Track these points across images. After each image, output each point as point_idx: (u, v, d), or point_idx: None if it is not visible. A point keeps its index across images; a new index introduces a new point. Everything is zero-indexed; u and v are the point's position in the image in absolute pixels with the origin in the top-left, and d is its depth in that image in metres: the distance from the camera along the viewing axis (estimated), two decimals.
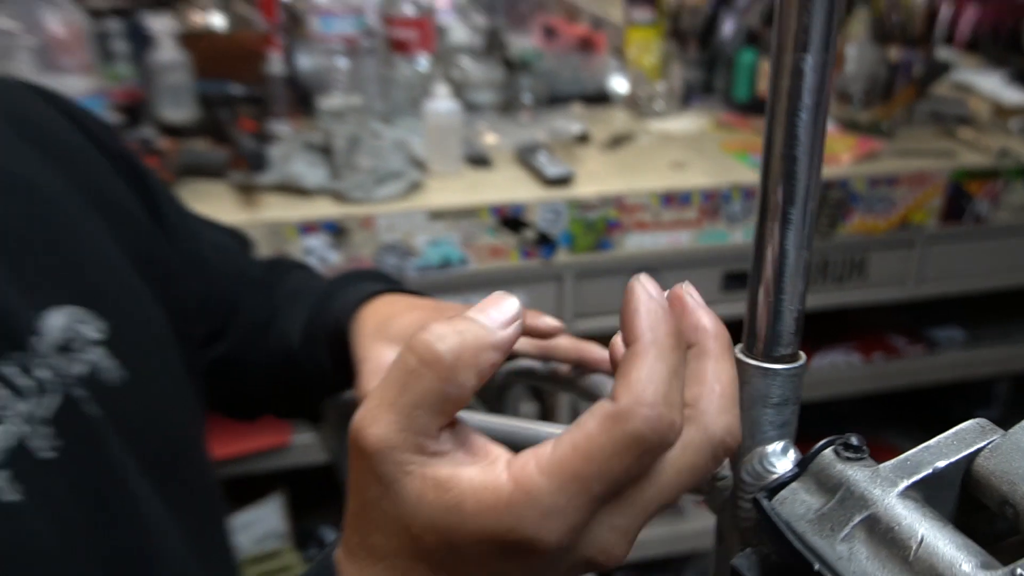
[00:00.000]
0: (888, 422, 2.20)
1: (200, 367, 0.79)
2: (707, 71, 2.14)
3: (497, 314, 0.37)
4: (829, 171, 1.71)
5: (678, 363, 0.36)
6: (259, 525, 1.87)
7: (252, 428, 1.69)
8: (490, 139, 1.82)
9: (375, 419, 0.36)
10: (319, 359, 0.78)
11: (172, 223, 0.79)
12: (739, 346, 0.40)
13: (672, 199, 1.64)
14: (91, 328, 0.62)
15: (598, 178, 1.68)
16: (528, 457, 0.36)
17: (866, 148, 1.79)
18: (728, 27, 2.10)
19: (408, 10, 1.83)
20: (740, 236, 1.69)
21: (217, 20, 1.98)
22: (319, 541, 1.98)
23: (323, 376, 0.79)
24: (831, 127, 1.93)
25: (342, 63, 1.77)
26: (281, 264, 0.90)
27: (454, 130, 1.68)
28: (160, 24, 1.78)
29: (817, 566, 0.34)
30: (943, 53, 2.29)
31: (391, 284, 0.80)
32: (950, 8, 2.42)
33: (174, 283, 0.75)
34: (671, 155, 1.79)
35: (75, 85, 1.49)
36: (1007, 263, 1.90)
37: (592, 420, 0.35)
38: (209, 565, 0.69)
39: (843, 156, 1.75)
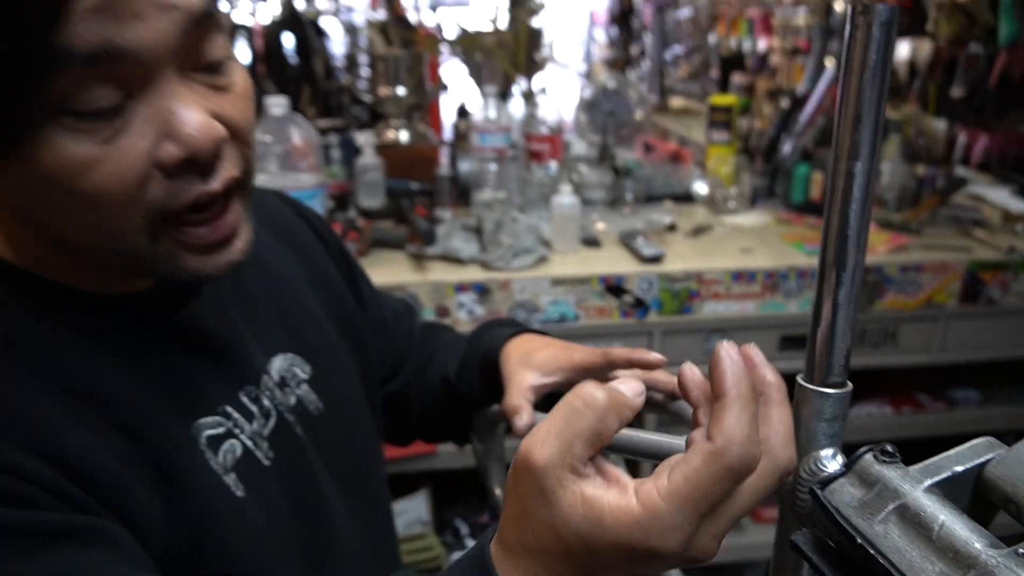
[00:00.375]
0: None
1: (378, 402, 0.80)
2: (770, 179, 2.11)
3: (632, 388, 0.40)
4: (867, 259, 1.65)
5: (755, 410, 0.38)
6: (409, 513, 1.87)
7: None
8: (600, 226, 1.83)
9: (544, 443, 0.38)
10: (471, 383, 0.78)
11: (365, 294, 0.81)
12: (800, 375, 0.41)
13: (741, 276, 1.62)
14: (301, 370, 0.64)
15: (683, 258, 1.67)
16: (651, 486, 0.37)
17: (898, 242, 1.73)
18: (787, 147, 2.09)
19: (543, 130, 1.87)
20: (795, 307, 1.65)
21: (403, 135, 2.06)
22: (454, 530, 1.97)
23: (473, 397, 0.79)
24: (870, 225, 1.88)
25: (492, 167, 1.81)
26: (435, 326, 0.92)
27: (574, 218, 1.69)
28: (364, 138, 1.86)
29: (859, 540, 0.35)
30: (960, 171, 2.21)
31: (525, 327, 0.81)
32: (966, 136, 2.34)
33: (363, 340, 0.77)
34: (740, 242, 1.77)
35: (306, 180, 1.57)
36: (1015, 338, 1.79)
37: (697, 457, 0.37)
38: (376, 554, 0.70)
39: (879, 247, 1.70)
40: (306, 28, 3.87)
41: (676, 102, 4.31)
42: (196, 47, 0.44)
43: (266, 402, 0.59)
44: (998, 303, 1.72)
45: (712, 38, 4.57)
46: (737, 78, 3.72)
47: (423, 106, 2.12)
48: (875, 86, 0.35)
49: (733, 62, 3.86)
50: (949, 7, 2.38)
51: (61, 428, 0.45)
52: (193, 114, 0.43)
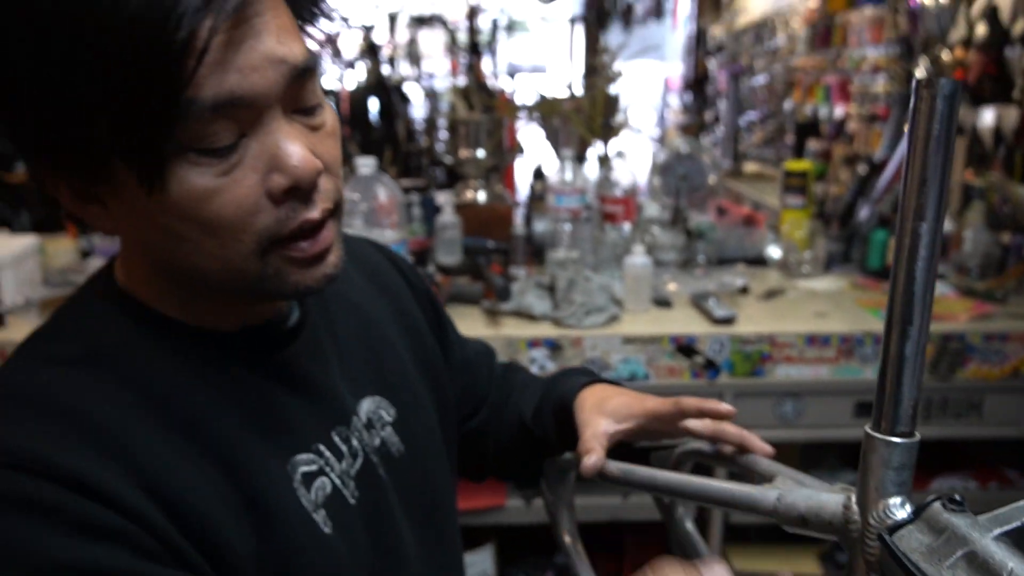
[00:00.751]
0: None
1: (457, 441, 0.82)
2: (846, 245, 2.09)
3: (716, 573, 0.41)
4: (949, 326, 1.62)
5: None
6: (475, 566, 1.86)
7: (479, 492, 1.73)
8: (672, 287, 1.84)
9: None
10: (546, 427, 0.80)
11: (451, 339, 0.85)
12: (869, 424, 0.42)
13: (814, 340, 1.60)
14: (387, 412, 0.68)
15: (755, 321, 1.67)
16: None
17: (981, 310, 1.69)
18: (864, 212, 2.07)
19: (617, 192, 1.91)
20: (871, 374, 1.61)
21: (481, 195, 2.12)
22: None
23: (547, 440, 0.80)
24: (951, 292, 1.84)
25: (567, 228, 1.85)
26: (512, 366, 0.94)
27: (646, 279, 1.71)
28: (443, 198, 1.94)
29: None
30: None
31: (599, 377, 0.83)
32: None
33: (443, 384, 0.79)
34: (815, 307, 1.76)
35: (389, 236, 1.65)
36: None
37: None
38: None
39: (961, 315, 1.66)
40: (391, 93, 4.07)
41: (750, 167, 4.31)
42: (298, 93, 0.51)
43: (355, 442, 0.62)
44: None
45: (788, 104, 4.59)
46: (812, 144, 3.72)
47: (500, 168, 2.20)
48: (939, 153, 0.38)
49: (809, 128, 3.86)
50: None
51: (168, 465, 0.49)
52: (296, 148, 0.49)
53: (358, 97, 4.06)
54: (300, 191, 0.50)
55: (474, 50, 4.70)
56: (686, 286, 1.83)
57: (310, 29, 0.53)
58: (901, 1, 3.00)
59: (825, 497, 0.46)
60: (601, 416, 0.72)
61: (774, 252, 2.07)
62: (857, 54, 3.65)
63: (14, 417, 0.48)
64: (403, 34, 4.91)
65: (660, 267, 1.91)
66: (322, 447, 0.59)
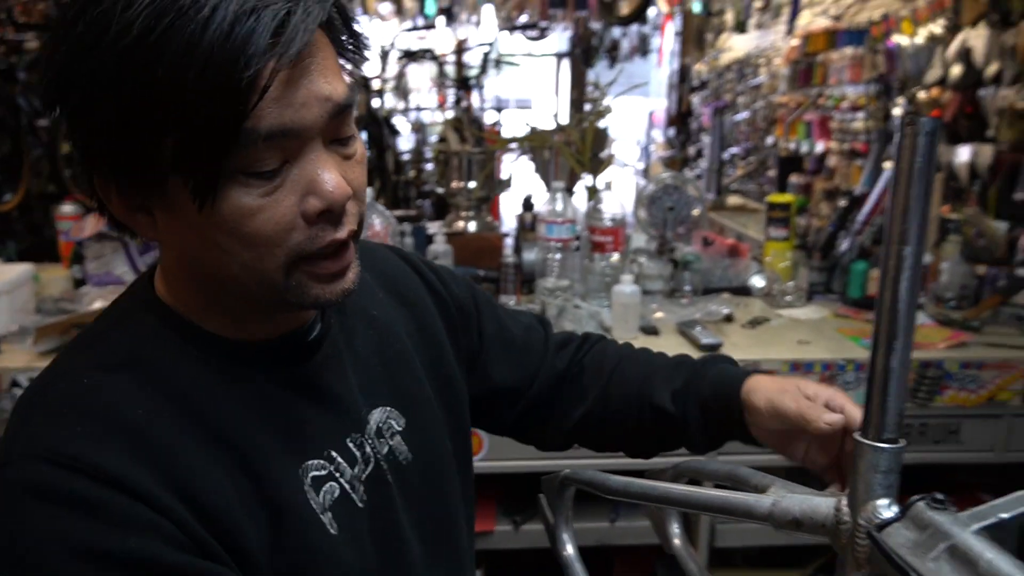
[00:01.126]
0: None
1: (469, 459, 0.83)
2: (828, 275, 2.13)
3: None
4: (927, 354, 1.66)
5: None
6: None
7: None
8: (659, 315, 1.87)
9: None
10: (687, 411, 0.81)
11: (491, 327, 0.86)
12: (858, 432, 0.46)
13: (798, 366, 1.64)
14: (396, 422, 0.71)
15: (740, 348, 1.70)
16: None
17: (958, 338, 1.74)
18: (845, 244, 2.13)
19: (606, 222, 1.95)
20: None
21: (471, 225, 2.16)
22: None
23: (686, 423, 0.81)
24: (929, 321, 1.89)
25: (557, 257, 1.87)
26: (592, 337, 0.94)
27: (634, 307, 1.74)
28: (435, 227, 1.98)
29: (912, 574, 0.39)
30: (1023, 271, 2.21)
31: (753, 369, 0.83)
32: None
33: (460, 397, 0.81)
34: (798, 335, 1.79)
35: None
36: None
37: None
38: None
39: (939, 343, 1.71)
40: (381, 126, 4.13)
41: (733, 200, 4.40)
42: (337, 126, 0.56)
43: (368, 449, 0.66)
44: None
45: (770, 140, 4.70)
46: (794, 178, 3.81)
47: (490, 198, 2.23)
48: (921, 184, 0.42)
49: (791, 163, 3.95)
50: (1011, 113, 2.44)
51: (196, 468, 0.54)
52: (332, 176, 0.55)
53: None
54: (332, 214, 0.55)
55: (463, 84, 4.79)
56: (673, 314, 1.87)
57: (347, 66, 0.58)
58: (879, 42, 3.10)
59: (817, 501, 0.50)
60: (802, 399, 0.75)
61: (758, 282, 2.11)
62: (837, 92, 3.77)
63: (58, 418, 0.53)
64: (392, 68, 4.99)
65: (647, 296, 1.93)
66: (334, 453, 0.63)
